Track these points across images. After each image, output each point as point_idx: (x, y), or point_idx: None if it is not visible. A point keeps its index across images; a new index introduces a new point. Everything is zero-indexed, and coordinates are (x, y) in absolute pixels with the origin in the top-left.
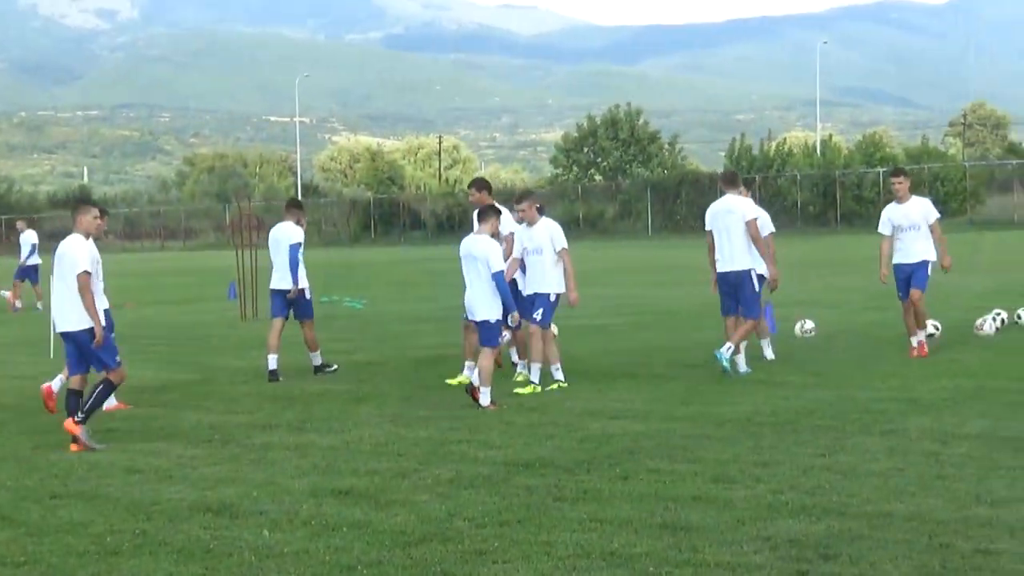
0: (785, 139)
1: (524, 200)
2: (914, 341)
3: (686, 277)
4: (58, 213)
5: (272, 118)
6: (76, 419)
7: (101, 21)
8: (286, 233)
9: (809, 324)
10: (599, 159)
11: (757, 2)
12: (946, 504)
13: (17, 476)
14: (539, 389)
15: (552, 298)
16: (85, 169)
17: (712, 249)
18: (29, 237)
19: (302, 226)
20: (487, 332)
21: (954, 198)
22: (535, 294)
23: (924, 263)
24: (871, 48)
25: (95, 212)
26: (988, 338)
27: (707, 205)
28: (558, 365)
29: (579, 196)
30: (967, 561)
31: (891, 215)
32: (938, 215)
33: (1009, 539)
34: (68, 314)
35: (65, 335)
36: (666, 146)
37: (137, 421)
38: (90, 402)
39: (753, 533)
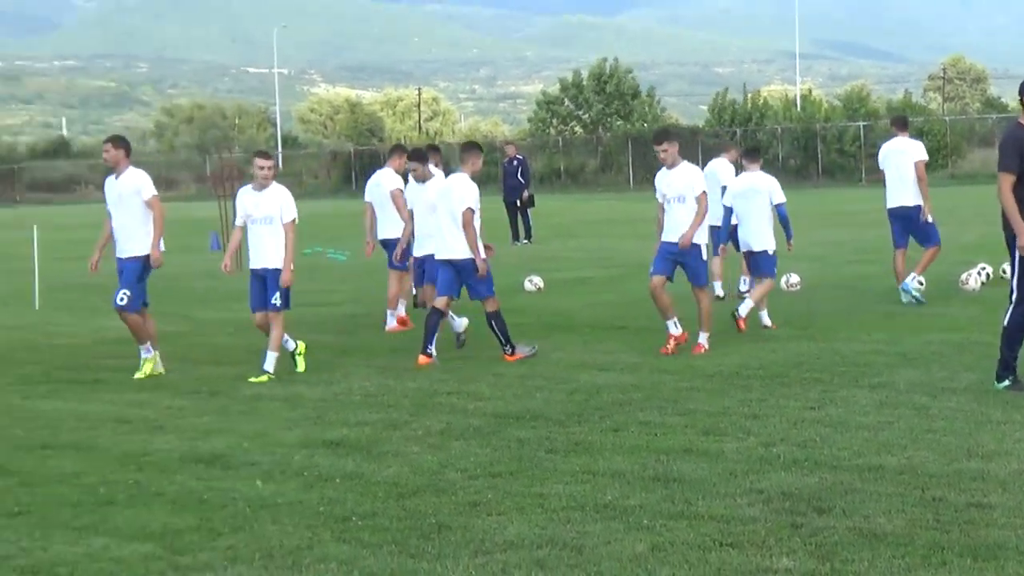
0: (759, 92)
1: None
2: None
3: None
4: (38, 163)
5: (250, 69)
6: (505, 352)
7: None
8: None
9: (795, 278)
10: (581, 111)
11: None
12: (937, 458)
13: (6, 426)
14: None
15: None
16: (64, 120)
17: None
18: None
19: None
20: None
21: (936, 153)
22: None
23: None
24: (851, 1)
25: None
26: (973, 292)
27: (688, 157)
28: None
29: (560, 149)
30: (960, 514)
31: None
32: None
33: (1001, 493)
34: (453, 244)
35: (447, 263)
36: (645, 98)
37: (125, 372)
38: (499, 334)
39: (746, 486)
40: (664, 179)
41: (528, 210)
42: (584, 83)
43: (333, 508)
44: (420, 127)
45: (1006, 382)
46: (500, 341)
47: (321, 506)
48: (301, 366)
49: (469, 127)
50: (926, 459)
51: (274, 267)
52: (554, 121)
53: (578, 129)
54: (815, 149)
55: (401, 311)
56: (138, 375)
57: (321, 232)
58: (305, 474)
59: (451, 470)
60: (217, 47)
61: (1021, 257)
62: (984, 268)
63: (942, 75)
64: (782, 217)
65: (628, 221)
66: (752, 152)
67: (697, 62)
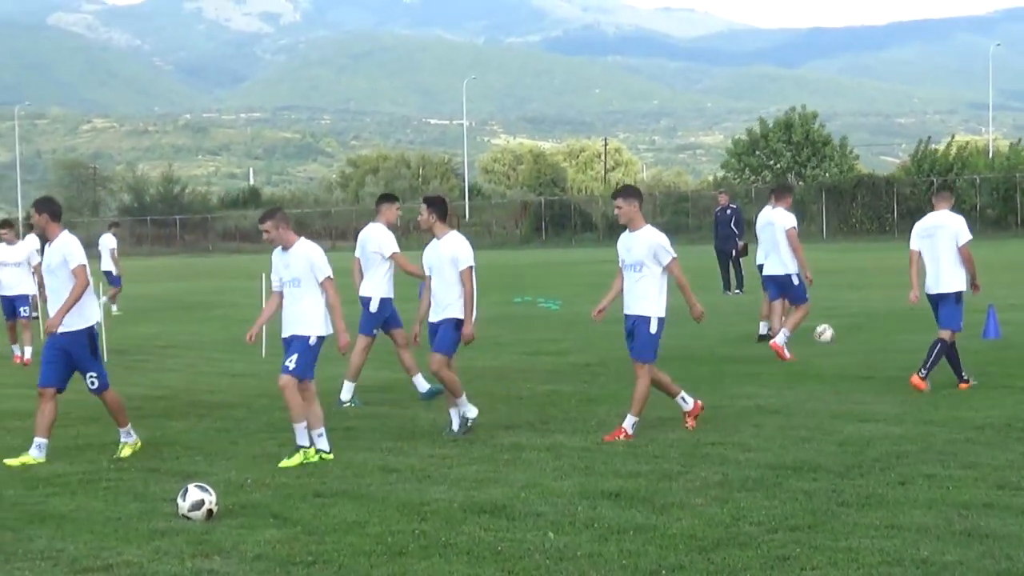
0: (967, 142)
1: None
2: None
3: (876, 280)
4: (228, 213)
5: (432, 120)
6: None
7: (264, 24)
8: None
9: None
10: (771, 162)
11: (920, 4)
12: None
13: (272, 473)
14: None
15: None
16: (251, 170)
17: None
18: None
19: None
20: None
21: None
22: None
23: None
24: None
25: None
26: None
27: (882, 208)
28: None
29: (751, 198)
30: None
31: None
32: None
33: None
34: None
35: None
36: (837, 148)
37: (373, 420)
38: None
39: None
40: (624, 242)
41: (740, 259)
42: (771, 133)
43: (637, 561)
44: (604, 178)
45: None
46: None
47: (623, 559)
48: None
49: (651, 176)
50: None
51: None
52: (746, 171)
53: (769, 178)
54: (1015, 201)
55: None
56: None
57: (520, 282)
58: (594, 525)
59: (745, 523)
60: (399, 99)
61: None
62: None
63: None
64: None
65: (841, 271)
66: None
67: (879, 112)
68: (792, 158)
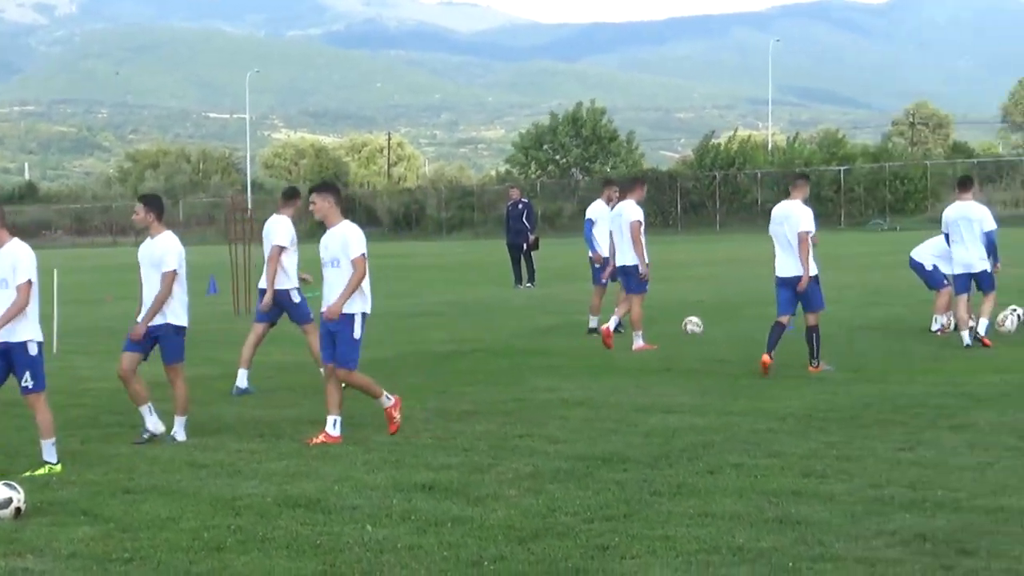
0: (749, 136)
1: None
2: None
3: (662, 273)
4: (6, 208)
5: (212, 114)
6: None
7: (39, 16)
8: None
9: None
10: (558, 156)
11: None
12: None
13: (78, 471)
14: None
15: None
16: (26, 164)
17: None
18: None
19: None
20: None
21: (913, 197)
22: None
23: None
24: (812, 47)
25: None
26: (1010, 334)
27: (666, 203)
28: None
29: (537, 193)
30: None
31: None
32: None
33: None
34: None
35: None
36: (624, 144)
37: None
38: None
39: (874, 528)
40: (323, 240)
41: (532, 253)
42: (560, 127)
43: (458, 552)
44: (388, 172)
45: None
46: None
47: (443, 550)
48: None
49: (434, 171)
50: None
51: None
52: (532, 165)
53: (556, 173)
54: None
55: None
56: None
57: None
58: (412, 518)
59: (561, 513)
60: (178, 92)
61: None
62: (1015, 309)
63: (907, 120)
64: (991, 242)
65: None
66: (964, 182)
67: (658, 107)
68: (580, 153)
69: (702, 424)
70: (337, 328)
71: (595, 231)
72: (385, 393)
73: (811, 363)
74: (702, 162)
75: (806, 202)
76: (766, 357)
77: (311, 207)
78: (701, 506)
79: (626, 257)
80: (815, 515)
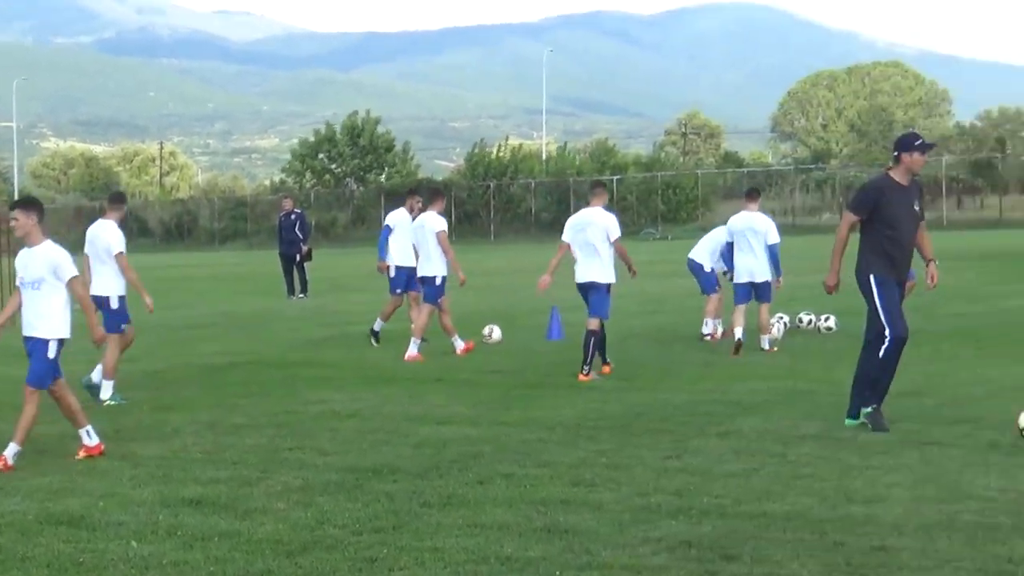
0: (520, 145)
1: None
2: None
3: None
4: None
5: None
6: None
7: None
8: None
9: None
10: (335, 166)
11: (473, 10)
12: (818, 504)
13: None
14: None
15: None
16: None
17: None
18: None
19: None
20: None
21: (685, 206)
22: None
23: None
24: (586, 57)
25: None
26: (776, 341)
27: (444, 213)
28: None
29: (311, 203)
30: (868, 558)
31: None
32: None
33: (898, 536)
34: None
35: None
36: (400, 154)
37: None
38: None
39: (640, 535)
40: (21, 259)
41: (305, 264)
42: (338, 136)
43: (224, 567)
44: (161, 182)
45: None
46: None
47: (209, 565)
48: None
49: (207, 181)
50: (808, 505)
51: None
52: (307, 174)
53: (331, 183)
54: (568, 203)
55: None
56: None
57: None
58: (178, 533)
59: (329, 526)
60: None
61: (870, 301)
62: (782, 317)
63: (679, 130)
64: (774, 255)
65: None
66: (751, 192)
67: (433, 116)
68: (357, 163)
69: (474, 435)
70: (32, 349)
71: (391, 239)
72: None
73: (582, 370)
74: (475, 172)
75: (608, 208)
76: (605, 368)
77: (12, 223)
78: (471, 516)
79: (429, 268)
80: (583, 523)
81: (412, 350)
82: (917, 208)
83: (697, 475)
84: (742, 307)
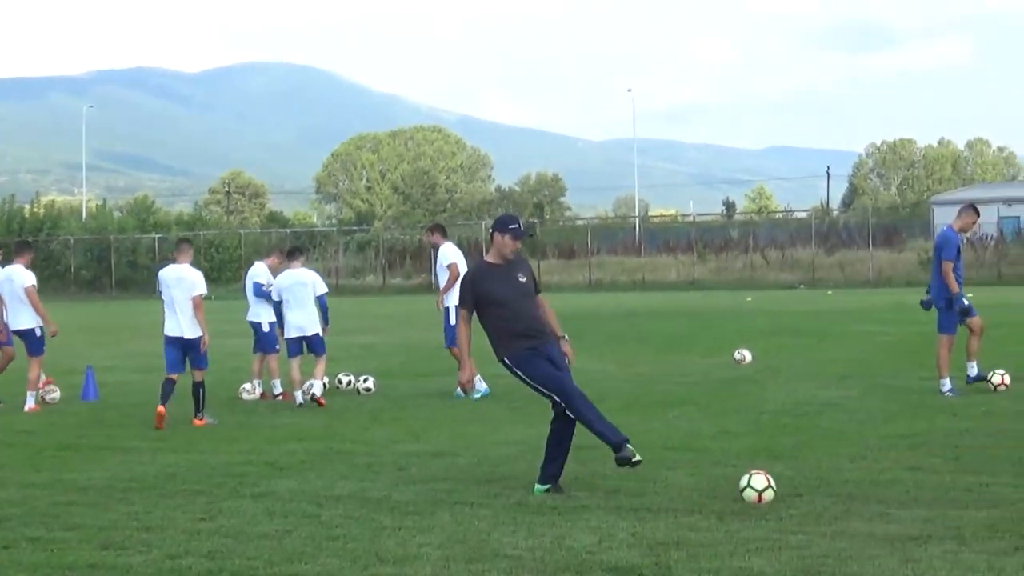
0: (53, 200)
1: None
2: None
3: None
4: None
5: None
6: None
7: None
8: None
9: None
10: None
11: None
12: (348, 564)
13: None
14: None
15: None
16: None
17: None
18: None
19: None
20: None
21: (229, 265)
22: None
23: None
24: (131, 113)
25: None
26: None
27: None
28: None
29: None
30: None
31: None
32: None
33: None
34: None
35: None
36: None
37: None
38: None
39: None
40: None
41: None
42: None
43: None
44: None
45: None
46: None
47: None
48: None
49: None
50: (339, 567)
51: None
52: None
53: None
54: (109, 260)
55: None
56: None
57: None
58: None
59: None
60: None
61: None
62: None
63: (223, 189)
64: (324, 306)
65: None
66: (293, 252)
67: None
68: None
69: (3, 497)
70: None
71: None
72: None
73: (196, 416)
74: (10, 228)
75: (194, 265)
76: (161, 408)
77: None
78: None
79: (22, 321)
80: None
81: (30, 402)
82: (523, 280)
83: (230, 537)
84: (295, 361)
